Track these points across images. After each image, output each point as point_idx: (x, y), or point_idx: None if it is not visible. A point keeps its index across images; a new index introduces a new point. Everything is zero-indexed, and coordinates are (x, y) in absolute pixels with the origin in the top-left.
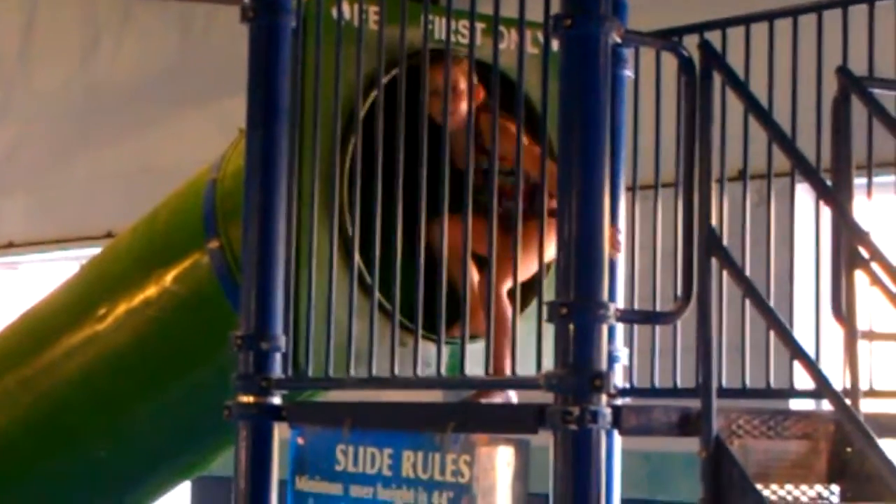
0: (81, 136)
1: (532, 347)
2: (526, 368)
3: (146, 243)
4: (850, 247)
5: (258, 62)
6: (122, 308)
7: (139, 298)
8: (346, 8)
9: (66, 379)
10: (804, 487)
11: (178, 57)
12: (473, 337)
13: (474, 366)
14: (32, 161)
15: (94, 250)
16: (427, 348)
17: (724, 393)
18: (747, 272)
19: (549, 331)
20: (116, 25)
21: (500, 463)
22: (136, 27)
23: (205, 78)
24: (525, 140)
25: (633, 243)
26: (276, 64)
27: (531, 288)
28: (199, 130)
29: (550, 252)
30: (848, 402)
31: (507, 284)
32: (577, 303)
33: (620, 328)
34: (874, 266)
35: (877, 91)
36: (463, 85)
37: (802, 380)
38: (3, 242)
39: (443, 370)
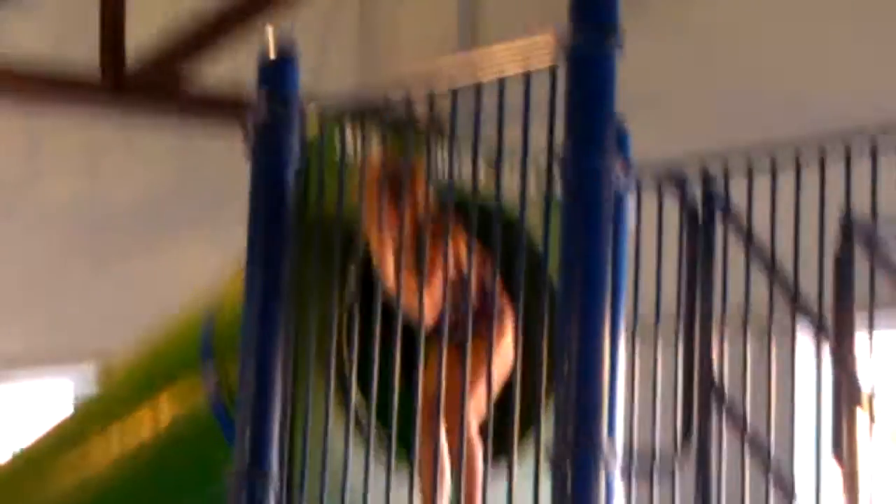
0: (80, 256)
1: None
2: None
3: (143, 376)
4: (849, 392)
5: (259, 194)
6: (115, 441)
7: (133, 431)
8: (349, 135)
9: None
10: None
11: (177, 181)
12: None
13: None
14: (28, 281)
15: (87, 371)
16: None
17: None
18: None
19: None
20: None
21: None
22: (137, 150)
23: (205, 202)
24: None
25: (634, 383)
26: (277, 201)
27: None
28: (197, 253)
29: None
30: None
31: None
32: (576, 442)
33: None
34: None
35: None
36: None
37: None
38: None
39: None
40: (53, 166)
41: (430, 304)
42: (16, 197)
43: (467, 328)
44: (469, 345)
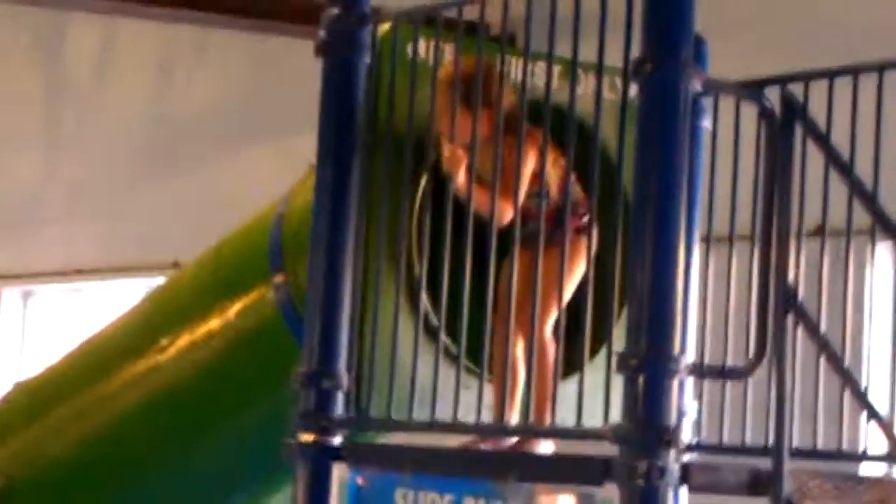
0: (151, 166)
1: (597, 398)
2: (590, 419)
3: (211, 275)
4: None
5: (331, 96)
6: (184, 340)
7: (202, 331)
8: (421, 45)
9: (122, 410)
10: None
11: (250, 90)
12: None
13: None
14: (102, 189)
15: (160, 280)
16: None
17: (794, 454)
18: (823, 330)
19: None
20: (191, 56)
21: None
22: (211, 58)
23: (276, 111)
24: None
25: (706, 297)
26: (348, 99)
27: (600, 338)
28: (268, 163)
29: (579, 272)
30: None
31: (552, 318)
32: (648, 355)
33: (690, 381)
34: None
35: None
36: None
37: (875, 444)
38: (71, 269)
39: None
40: (127, 74)
41: (506, 205)
42: (89, 104)
43: (540, 229)
44: (541, 243)
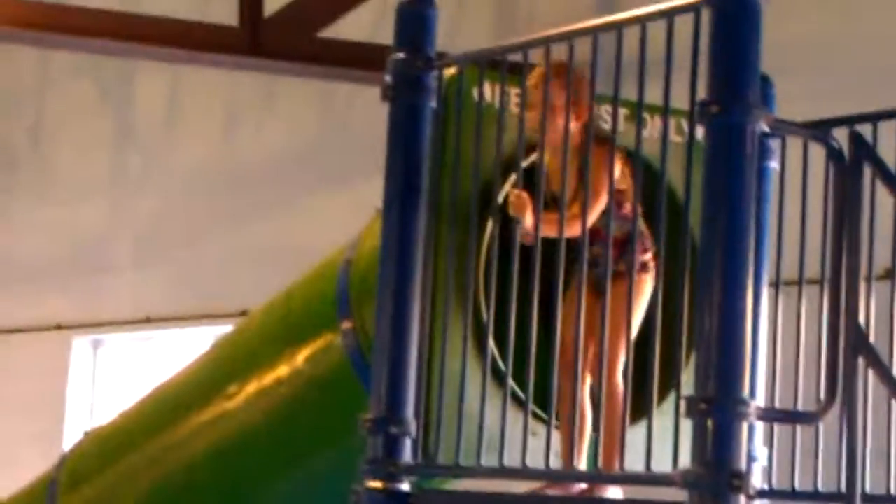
0: (220, 213)
1: (666, 443)
2: (659, 464)
3: (279, 322)
4: None
5: (397, 140)
6: (252, 387)
7: (270, 377)
8: (487, 89)
9: (193, 457)
10: None
11: (317, 136)
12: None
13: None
14: (170, 237)
15: (228, 328)
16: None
17: (867, 499)
18: (895, 373)
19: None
20: (258, 103)
21: None
22: (277, 105)
23: (343, 158)
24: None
25: (776, 340)
26: (415, 143)
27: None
28: (335, 210)
29: (642, 311)
30: None
31: (621, 361)
32: (717, 399)
33: (760, 427)
34: None
35: None
36: None
37: None
38: (141, 317)
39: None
40: (193, 124)
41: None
42: (157, 152)
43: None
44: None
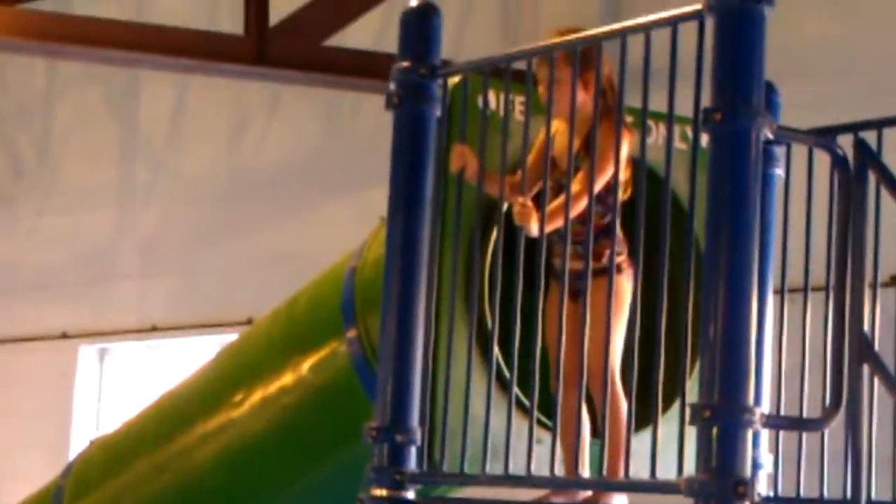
0: (225, 222)
1: (670, 450)
2: (663, 471)
3: (284, 330)
4: None
5: (402, 149)
6: (258, 395)
7: (276, 386)
8: (491, 98)
9: (198, 465)
10: None
11: (322, 145)
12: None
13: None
14: (176, 246)
15: (234, 337)
16: None
17: None
18: None
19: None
20: (263, 112)
21: None
22: (283, 114)
23: (348, 166)
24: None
25: (781, 346)
26: (419, 151)
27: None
28: (340, 219)
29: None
30: None
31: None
32: (721, 406)
33: (765, 434)
34: None
35: None
36: None
37: None
38: (147, 325)
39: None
40: (199, 133)
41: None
42: (163, 161)
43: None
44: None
